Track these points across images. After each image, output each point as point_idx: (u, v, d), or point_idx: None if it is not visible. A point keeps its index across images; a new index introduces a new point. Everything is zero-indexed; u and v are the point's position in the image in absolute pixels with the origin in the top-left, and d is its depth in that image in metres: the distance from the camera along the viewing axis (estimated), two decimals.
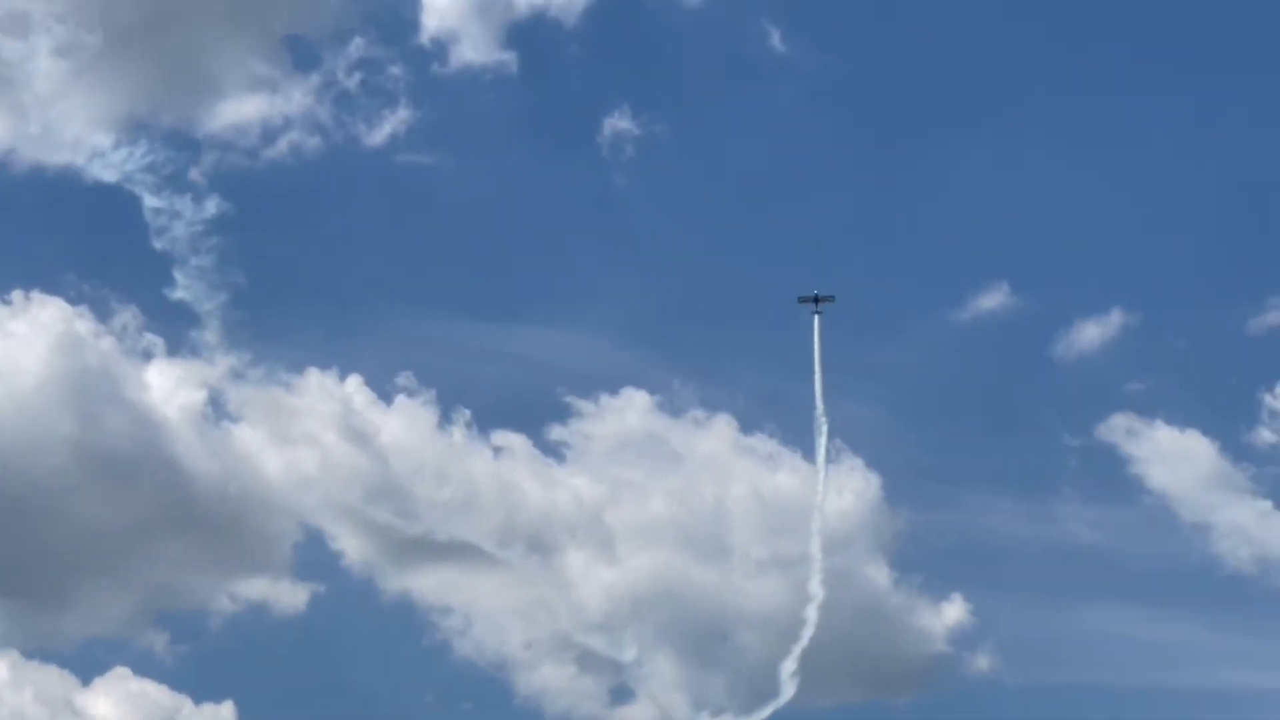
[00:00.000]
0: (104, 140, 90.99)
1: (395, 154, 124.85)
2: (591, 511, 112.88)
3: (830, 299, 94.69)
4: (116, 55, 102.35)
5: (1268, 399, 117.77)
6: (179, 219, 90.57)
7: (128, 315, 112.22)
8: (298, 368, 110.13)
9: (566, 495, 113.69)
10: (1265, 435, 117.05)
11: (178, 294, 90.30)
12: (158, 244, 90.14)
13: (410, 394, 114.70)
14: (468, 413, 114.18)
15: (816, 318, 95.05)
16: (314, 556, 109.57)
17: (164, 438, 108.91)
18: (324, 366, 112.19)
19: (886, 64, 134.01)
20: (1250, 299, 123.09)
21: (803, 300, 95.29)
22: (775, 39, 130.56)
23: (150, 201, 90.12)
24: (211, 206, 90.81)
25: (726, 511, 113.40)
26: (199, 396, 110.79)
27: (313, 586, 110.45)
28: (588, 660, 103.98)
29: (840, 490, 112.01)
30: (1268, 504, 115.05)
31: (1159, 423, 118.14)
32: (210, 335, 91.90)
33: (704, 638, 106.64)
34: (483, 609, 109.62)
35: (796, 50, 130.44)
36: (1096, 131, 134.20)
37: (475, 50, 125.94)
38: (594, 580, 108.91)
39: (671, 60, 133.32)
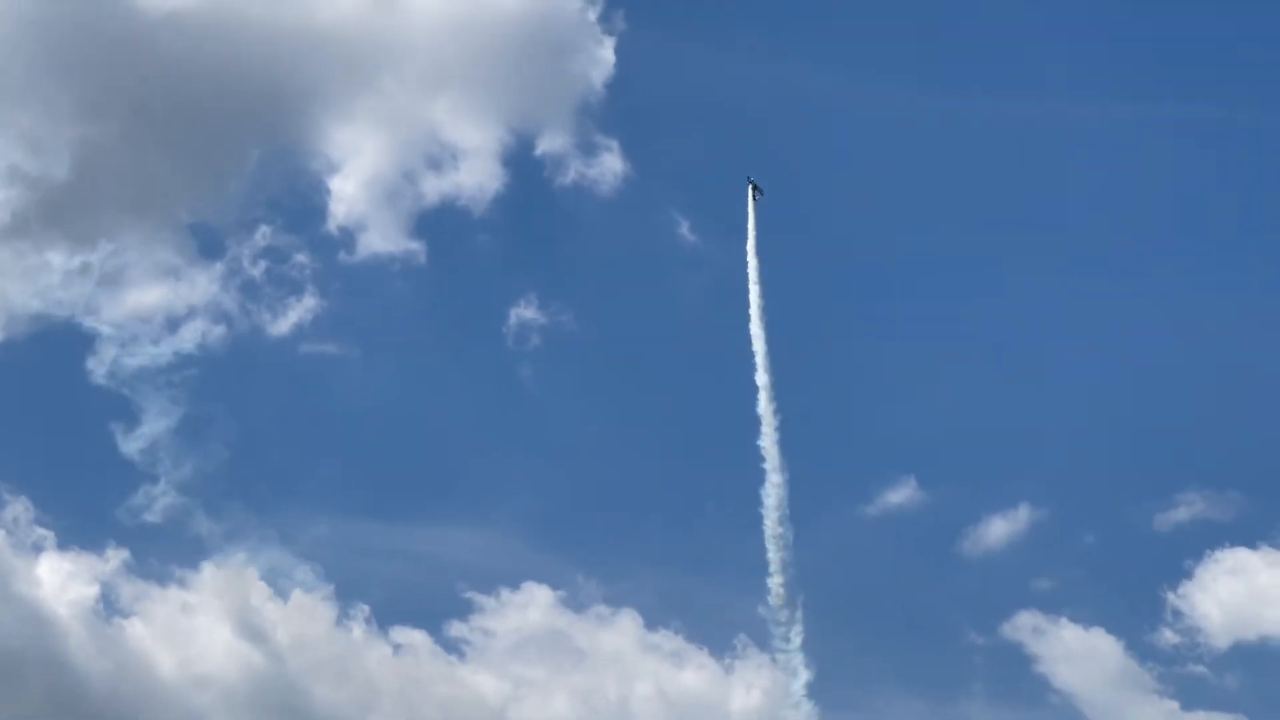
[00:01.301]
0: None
1: (300, 343, 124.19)
2: (494, 710, 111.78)
3: (761, 193, 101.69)
4: (12, 241, 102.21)
5: (1172, 598, 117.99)
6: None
7: (19, 507, 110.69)
8: (192, 562, 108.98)
9: (468, 693, 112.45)
10: (1169, 635, 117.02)
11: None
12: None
13: (308, 589, 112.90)
14: (366, 608, 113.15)
15: (751, 202, 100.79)
16: None
17: (54, 635, 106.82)
18: (220, 561, 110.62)
19: (795, 257, 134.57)
20: (1157, 495, 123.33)
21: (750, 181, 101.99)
22: (684, 229, 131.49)
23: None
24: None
25: (631, 710, 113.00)
26: (90, 592, 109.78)
27: None
28: None
29: (748, 688, 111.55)
30: (1174, 704, 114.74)
31: (1064, 620, 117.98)
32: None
33: None
34: None
35: (705, 240, 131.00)
36: (1002, 327, 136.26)
37: (383, 239, 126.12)
38: None
39: (580, 249, 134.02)
